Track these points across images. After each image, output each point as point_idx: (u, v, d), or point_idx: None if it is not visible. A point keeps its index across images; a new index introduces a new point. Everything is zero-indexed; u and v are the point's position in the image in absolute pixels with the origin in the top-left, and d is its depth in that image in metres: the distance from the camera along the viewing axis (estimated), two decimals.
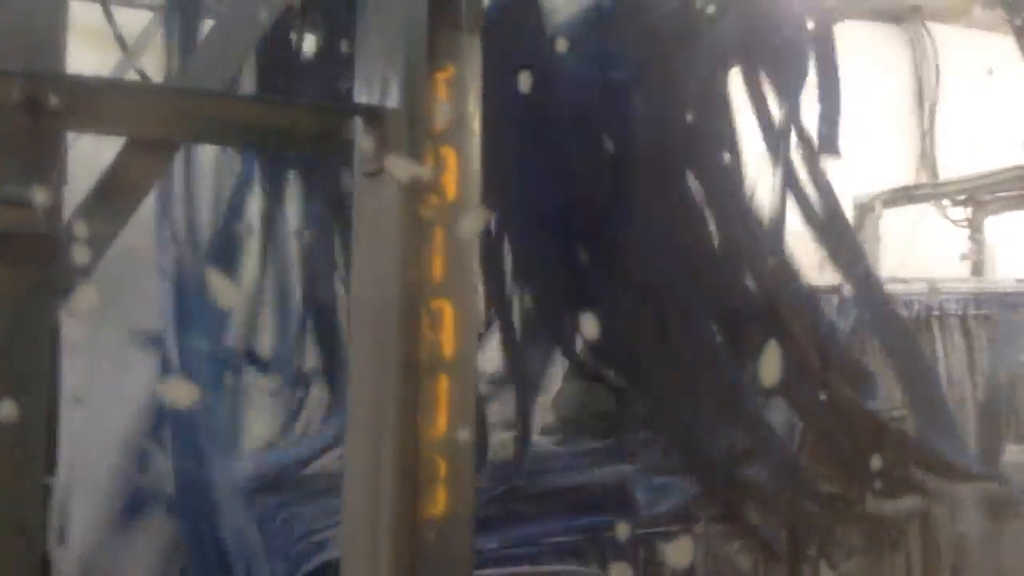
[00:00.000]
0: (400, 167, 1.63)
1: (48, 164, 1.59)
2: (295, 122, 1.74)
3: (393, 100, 1.74)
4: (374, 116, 1.74)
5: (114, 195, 1.67)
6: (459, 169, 1.74)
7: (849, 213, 7.53)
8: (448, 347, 1.68)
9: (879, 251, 5.75)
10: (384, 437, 1.65)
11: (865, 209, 5.93)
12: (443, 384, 1.66)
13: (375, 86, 1.77)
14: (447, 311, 1.69)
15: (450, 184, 1.73)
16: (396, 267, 1.71)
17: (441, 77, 1.73)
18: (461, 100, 1.75)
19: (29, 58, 1.58)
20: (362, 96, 1.79)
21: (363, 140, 1.75)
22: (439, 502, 1.60)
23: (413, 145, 1.70)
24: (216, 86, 1.74)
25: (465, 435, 1.65)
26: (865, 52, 7.74)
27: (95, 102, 1.60)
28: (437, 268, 1.69)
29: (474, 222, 1.70)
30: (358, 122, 1.75)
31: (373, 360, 1.70)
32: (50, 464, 1.77)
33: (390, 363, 1.67)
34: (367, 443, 1.67)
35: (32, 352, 1.58)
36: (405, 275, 1.68)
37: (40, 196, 1.57)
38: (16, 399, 1.55)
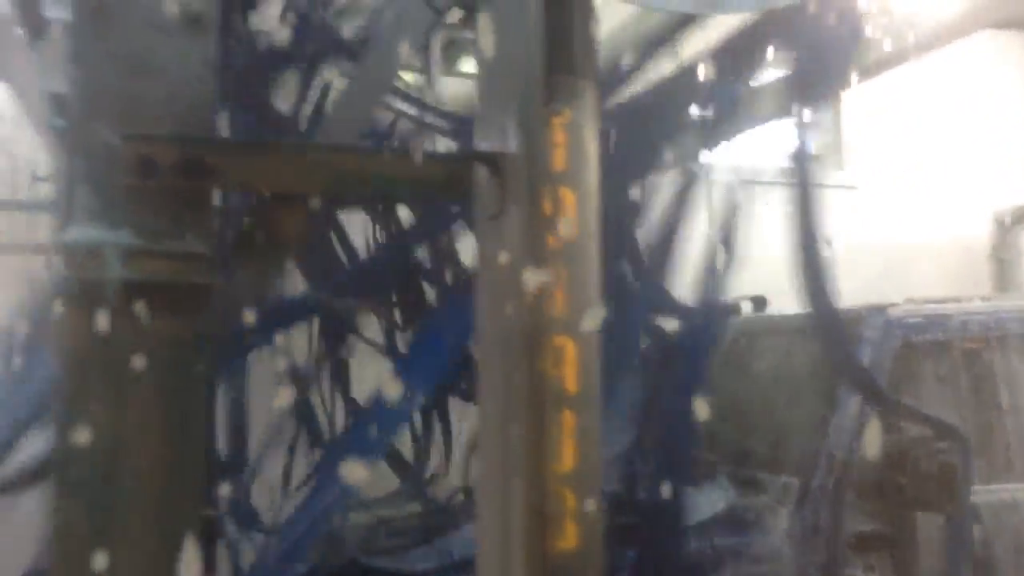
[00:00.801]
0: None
1: (202, 219, 1.74)
2: (423, 171, 1.83)
3: (512, 145, 1.82)
4: (493, 161, 1.82)
5: (258, 247, 1.81)
6: (578, 208, 1.80)
7: (987, 229, 7.19)
8: (571, 382, 1.73)
9: (1020, 267, 5.47)
10: (513, 472, 1.71)
11: (1004, 224, 5.66)
12: (568, 419, 1.71)
13: (494, 132, 1.86)
14: (569, 347, 1.74)
15: (569, 223, 1.79)
16: (516, 305, 1.77)
17: (558, 121, 1.80)
18: (578, 142, 1.82)
19: (184, 123, 1.73)
20: (482, 143, 1.88)
21: (483, 185, 1.84)
22: (569, 536, 1.65)
23: (531, 188, 1.77)
24: (349, 140, 1.87)
25: (591, 468, 1.69)
26: (1006, 62, 7.39)
27: (242, 162, 1.75)
28: (558, 306, 1.75)
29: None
30: (479, 168, 1.84)
31: (500, 397, 1.77)
32: (205, 498, 1.91)
33: (516, 400, 1.73)
34: (497, 479, 1.73)
35: (190, 395, 1.73)
36: (527, 314, 1.75)
37: (196, 248, 1.72)
38: (175, 441, 1.70)
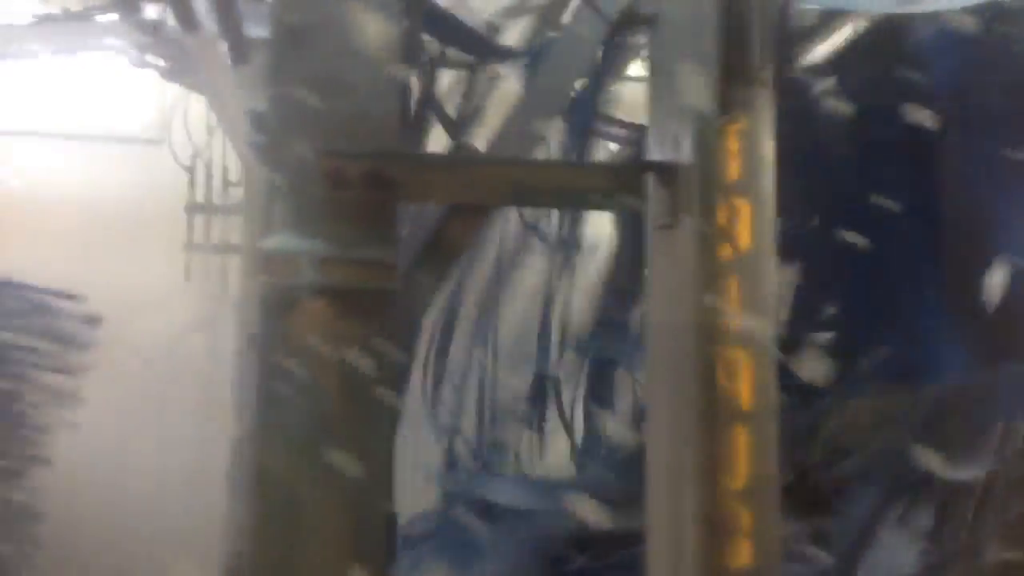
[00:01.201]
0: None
1: (388, 229, 1.84)
2: (595, 181, 1.86)
3: (685, 155, 1.82)
4: (667, 171, 1.82)
5: (437, 254, 1.89)
6: (753, 219, 1.77)
7: None
8: (745, 397, 1.71)
9: None
10: (684, 488, 1.71)
11: None
12: (741, 434, 1.69)
13: (667, 142, 1.86)
14: (743, 361, 1.72)
15: (744, 234, 1.77)
16: (691, 318, 1.77)
17: (733, 130, 1.78)
18: (754, 151, 1.79)
19: (372, 138, 1.84)
20: (655, 152, 1.88)
21: (655, 195, 1.84)
22: (743, 554, 1.63)
23: (705, 198, 1.76)
24: (525, 154, 1.92)
25: (767, 485, 1.67)
26: None
27: (426, 175, 1.84)
28: (733, 318, 1.73)
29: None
30: (651, 178, 1.85)
31: (671, 411, 1.77)
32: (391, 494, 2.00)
33: (688, 414, 1.73)
34: (667, 494, 1.74)
35: (377, 391, 1.83)
36: (700, 326, 1.74)
37: (382, 256, 1.82)
38: (363, 434, 1.80)
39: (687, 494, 1.71)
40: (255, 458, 1.79)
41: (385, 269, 1.81)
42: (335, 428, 1.80)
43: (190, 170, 5.95)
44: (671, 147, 1.85)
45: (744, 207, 1.78)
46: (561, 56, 1.92)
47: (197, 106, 5.73)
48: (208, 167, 5.95)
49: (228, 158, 5.92)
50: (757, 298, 1.75)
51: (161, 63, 4.76)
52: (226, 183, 5.98)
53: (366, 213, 1.82)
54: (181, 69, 4.67)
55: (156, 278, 6.02)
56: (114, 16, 4.74)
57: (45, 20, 4.92)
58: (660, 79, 1.89)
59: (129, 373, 5.78)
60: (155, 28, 4.46)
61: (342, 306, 1.80)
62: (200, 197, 6.08)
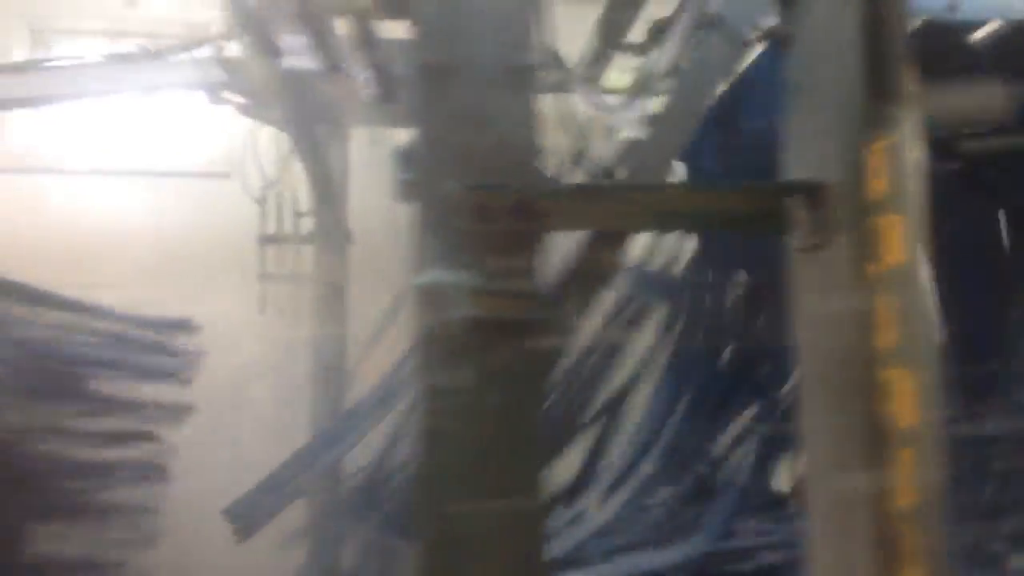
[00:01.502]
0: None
1: (533, 259, 1.86)
2: (736, 204, 1.87)
3: (830, 174, 1.82)
4: (812, 191, 1.82)
5: (581, 281, 1.91)
6: (904, 235, 1.76)
7: None
8: (907, 418, 1.69)
9: None
10: (853, 515, 1.70)
11: None
12: (906, 455, 1.67)
13: (809, 162, 1.86)
14: (904, 380, 1.70)
15: (896, 250, 1.76)
16: (846, 340, 1.76)
17: (880, 147, 1.78)
18: (901, 167, 1.78)
19: (513, 170, 1.86)
20: (798, 172, 1.88)
21: (800, 216, 1.84)
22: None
23: (857, 217, 1.76)
24: (660, 179, 1.93)
25: (935, 506, 1.65)
26: None
27: (569, 204, 1.86)
28: (889, 337, 1.72)
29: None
30: (795, 200, 1.85)
31: (828, 436, 1.77)
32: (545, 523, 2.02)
33: (851, 439, 1.72)
34: (834, 523, 1.72)
35: (529, 418, 1.85)
36: (857, 348, 1.73)
37: (530, 287, 1.84)
38: (516, 461, 1.82)
39: (856, 521, 1.70)
40: (423, 490, 1.81)
41: (534, 300, 1.83)
42: (492, 457, 1.82)
43: (262, 202, 6.06)
44: (815, 167, 1.85)
45: (895, 223, 1.77)
46: (694, 80, 1.94)
47: (267, 139, 5.87)
48: (279, 198, 6.06)
49: (299, 189, 6.04)
50: (914, 314, 1.74)
51: (239, 99, 4.88)
52: (297, 214, 6.09)
53: (513, 245, 1.84)
54: (260, 104, 4.78)
55: (230, 309, 6.13)
56: (190, 54, 4.89)
57: (120, 59, 5.05)
58: (799, 98, 1.89)
59: (206, 404, 5.88)
60: (237, 66, 4.58)
61: (493, 337, 1.83)
62: (272, 228, 6.19)
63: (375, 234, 6.20)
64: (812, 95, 1.86)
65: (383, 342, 6.17)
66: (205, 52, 4.88)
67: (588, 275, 1.90)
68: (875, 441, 1.71)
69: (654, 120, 1.94)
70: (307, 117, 4.81)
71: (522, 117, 1.86)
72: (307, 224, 6.08)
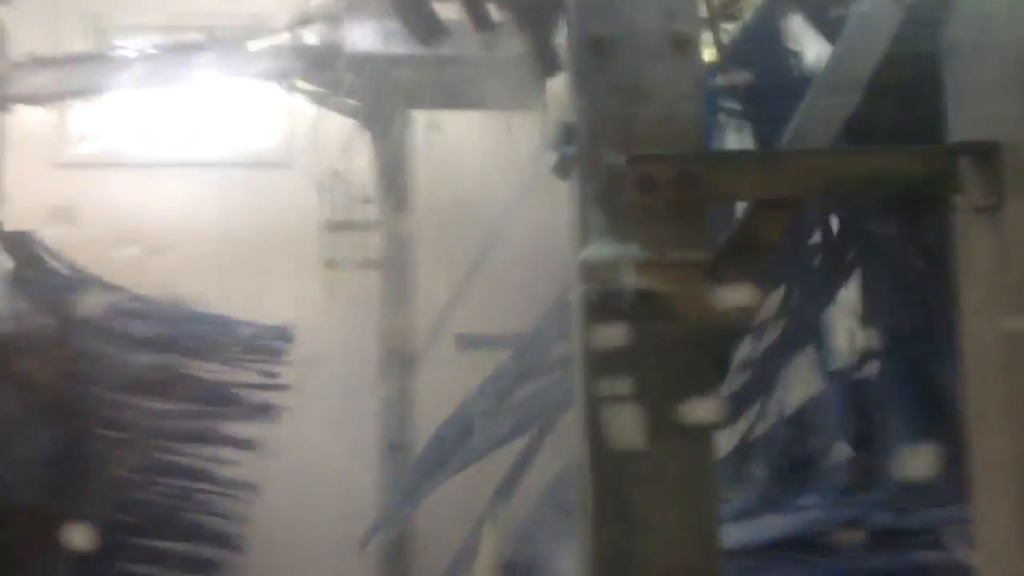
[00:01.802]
0: None
1: (698, 230, 1.84)
2: (905, 166, 1.84)
3: (1004, 134, 1.78)
4: (985, 151, 1.78)
5: (745, 252, 1.89)
6: None
7: None
8: None
9: None
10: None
11: None
12: None
13: (980, 121, 1.82)
14: None
15: None
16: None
17: None
18: None
19: (676, 141, 1.84)
20: (964, 132, 1.85)
21: (972, 178, 1.81)
22: None
23: None
24: (824, 143, 1.90)
25: None
26: None
27: (734, 172, 1.83)
28: None
29: None
30: (964, 160, 1.81)
31: (997, 418, 1.74)
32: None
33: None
34: (1005, 517, 1.70)
35: (700, 395, 1.83)
36: None
37: (697, 258, 1.82)
38: (687, 440, 1.81)
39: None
40: (589, 468, 1.81)
41: (700, 270, 1.82)
42: (662, 429, 1.81)
43: (327, 189, 6.07)
44: (985, 126, 1.81)
45: None
46: (855, 42, 1.91)
47: (331, 126, 5.87)
48: (345, 185, 6.07)
49: (363, 175, 6.05)
50: None
51: (313, 88, 4.89)
52: (362, 200, 6.09)
53: (677, 215, 1.82)
54: (334, 92, 4.78)
55: (295, 297, 6.16)
56: (263, 42, 4.90)
57: (189, 48, 5.06)
58: (963, 58, 1.85)
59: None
60: (313, 53, 4.59)
61: (659, 310, 1.81)
62: (335, 216, 6.20)
63: (439, 219, 6.21)
64: (980, 54, 1.82)
65: (450, 327, 6.21)
66: (274, 40, 4.89)
67: (754, 245, 1.87)
68: None
69: (820, 84, 1.91)
70: (381, 103, 4.81)
71: (685, 87, 1.84)
72: (371, 210, 6.09)
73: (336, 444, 6.00)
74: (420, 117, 5.90)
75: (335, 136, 5.84)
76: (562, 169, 1.89)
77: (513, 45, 2.77)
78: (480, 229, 6.04)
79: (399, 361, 6.06)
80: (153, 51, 5.17)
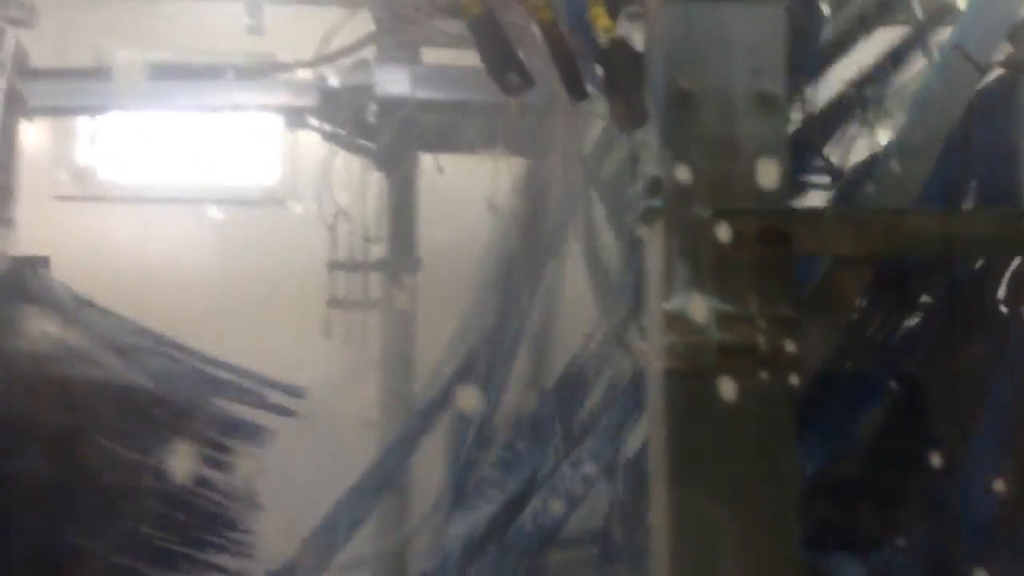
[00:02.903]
0: None
1: (785, 284, 1.85)
2: (987, 227, 1.86)
3: None
4: None
5: (824, 307, 1.90)
6: None
7: None
8: None
9: None
10: None
11: None
12: None
13: None
14: None
15: None
16: None
17: None
18: None
19: (762, 196, 1.86)
20: None
21: None
22: None
23: None
24: (903, 203, 1.93)
25: None
26: None
27: (819, 228, 1.85)
28: None
29: None
30: None
31: None
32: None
33: None
34: None
35: (784, 449, 1.82)
36: None
37: (784, 313, 1.82)
38: (771, 493, 1.80)
39: None
40: (672, 512, 1.78)
41: (788, 326, 1.82)
42: (744, 483, 1.80)
43: (332, 228, 6.03)
44: None
45: None
46: (937, 105, 1.94)
47: (339, 165, 5.86)
48: (350, 224, 6.03)
49: (368, 215, 6.03)
50: None
51: (326, 126, 4.88)
52: (366, 240, 6.06)
53: (763, 269, 1.83)
54: (353, 133, 4.77)
55: (294, 337, 6.09)
56: (277, 77, 4.88)
57: (205, 74, 5.00)
58: None
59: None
60: (332, 92, 4.59)
61: (742, 363, 1.81)
62: (340, 254, 6.15)
63: (443, 260, 6.19)
64: None
65: (450, 367, 6.16)
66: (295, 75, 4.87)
67: (832, 302, 1.88)
68: None
69: (898, 146, 1.94)
70: (398, 146, 4.82)
71: (770, 142, 1.86)
72: (376, 250, 6.06)
73: (333, 487, 5.91)
74: (428, 160, 5.92)
75: (341, 175, 5.83)
76: (647, 220, 1.89)
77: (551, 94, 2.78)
78: (481, 272, 6.04)
79: (400, 401, 6.01)
80: (165, 72, 5.08)
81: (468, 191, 6.16)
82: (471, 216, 6.26)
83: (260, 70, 4.88)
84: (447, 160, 5.80)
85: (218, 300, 6.18)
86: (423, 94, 4.48)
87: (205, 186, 6.60)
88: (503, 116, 4.29)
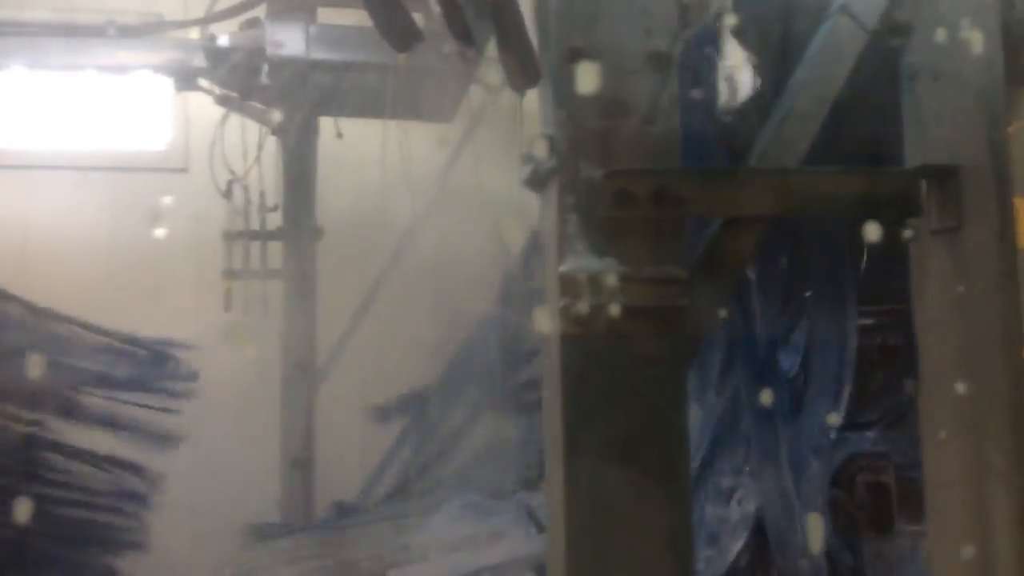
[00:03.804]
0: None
1: (676, 246, 1.84)
2: (871, 188, 1.89)
3: (962, 158, 1.86)
4: (946, 175, 1.86)
5: (715, 269, 1.90)
6: None
7: None
8: None
9: None
10: (995, 491, 1.74)
11: None
12: None
13: (938, 146, 1.90)
14: None
15: None
16: (979, 321, 1.81)
17: (1014, 130, 1.83)
18: None
19: (653, 156, 1.84)
20: (921, 156, 1.92)
21: (933, 199, 1.88)
22: None
23: (999, 200, 1.80)
24: (792, 163, 1.94)
25: None
26: None
27: (711, 189, 1.84)
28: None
29: None
30: (926, 183, 1.88)
31: (969, 414, 1.81)
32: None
33: (994, 417, 1.76)
34: (978, 499, 1.77)
35: (674, 408, 1.83)
36: (1000, 329, 1.78)
37: (675, 274, 1.82)
38: (661, 449, 1.80)
39: (998, 496, 1.75)
40: (568, 475, 1.77)
41: (678, 285, 1.81)
42: (638, 443, 1.79)
43: (227, 196, 5.82)
44: (944, 150, 1.89)
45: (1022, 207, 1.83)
46: (820, 66, 1.95)
47: (230, 130, 5.64)
48: (246, 193, 5.83)
49: (265, 184, 5.83)
50: None
51: (217, 89, 4.67)
52: (263, 209, 5.87)
53: (655, 230, 1.82)
54: (245, 95, 4.58)
55: (193, 308, 5.89)
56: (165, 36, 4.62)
57: (88, 32, 4.70)
58: (923, 84, 1.92)
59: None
60: (223, 53, 4.38)
61: (635, 324, 1.80)
62: (236, 224, 5.94)
63: (343, 228, 6.06)
64: (940, 81, 1.89)
65: (354, 338, 6.06)
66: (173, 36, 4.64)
67: (724, 262, 1.88)
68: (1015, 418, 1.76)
69: (787, 107, 1.94)
70: (295, 109, 4.65)
71: (662, 103, 1.83)
72: (274, 219, 5.88)
73: (237, 460, 5.77)
74: (327, 124, 5.76)
75: (236, 141, 5.62)
76: (536, 182, 1.85)
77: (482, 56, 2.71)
78: (384, 240, 5.94)
79: (302, 372, 5.88)
80: (45, 29, 4.75)
81: (369, 156, 6.02)
82: (373, 184, 6.13)
83: (146, 29, 4.61)
84: (346, 124, 5.66)
85: (105, 271, 5.92)
86: (319, 54, 4.32)
87: (91, 152, 6.28)
88: (400, 78, 4.19)
